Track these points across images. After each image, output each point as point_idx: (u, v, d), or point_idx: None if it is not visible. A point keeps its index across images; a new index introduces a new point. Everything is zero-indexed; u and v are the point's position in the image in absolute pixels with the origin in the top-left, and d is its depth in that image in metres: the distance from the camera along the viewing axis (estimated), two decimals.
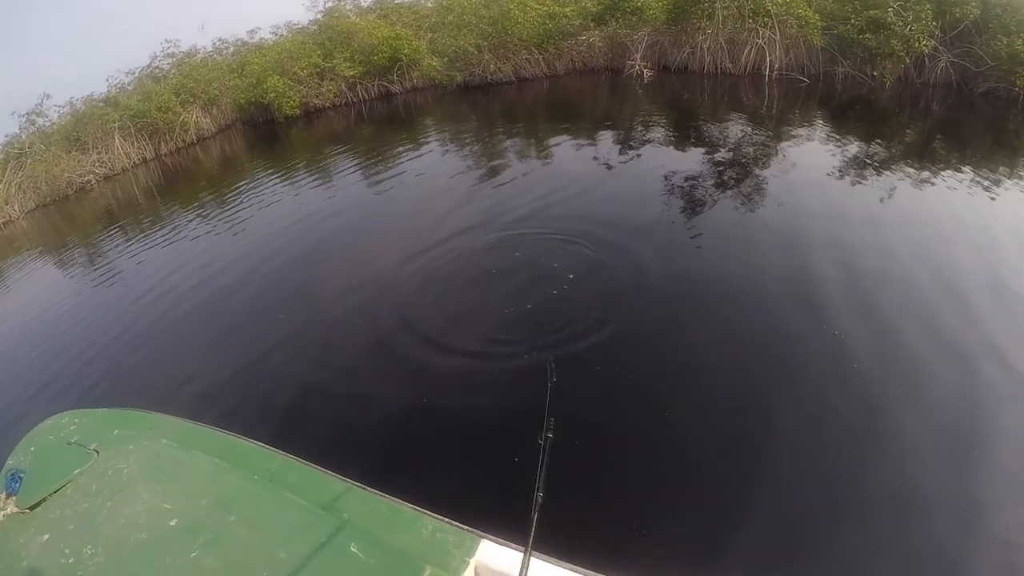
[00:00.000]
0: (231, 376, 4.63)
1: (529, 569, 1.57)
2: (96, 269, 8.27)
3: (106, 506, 2.11)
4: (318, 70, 15.33)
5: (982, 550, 2.49)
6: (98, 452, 2.41)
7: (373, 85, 15.51)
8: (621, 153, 8.12)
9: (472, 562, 1.74)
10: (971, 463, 2.85)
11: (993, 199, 5.48)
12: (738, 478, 2.94)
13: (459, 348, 4.25)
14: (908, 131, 7.77)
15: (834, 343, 3.71)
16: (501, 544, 1.81)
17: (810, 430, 3.17)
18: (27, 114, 14.40)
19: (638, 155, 7.92)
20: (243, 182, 11.09)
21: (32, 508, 2.18)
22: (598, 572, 1.71)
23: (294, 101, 15.11)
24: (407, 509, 1.95)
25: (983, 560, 2.45)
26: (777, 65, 10.62)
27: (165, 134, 15.03)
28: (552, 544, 1.75)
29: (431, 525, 1.87)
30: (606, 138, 9.00)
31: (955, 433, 3.03)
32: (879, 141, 7.32)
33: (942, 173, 6.11)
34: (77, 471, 2.31)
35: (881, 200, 5.65)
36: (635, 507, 2.88)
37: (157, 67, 16.75)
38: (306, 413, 4.00)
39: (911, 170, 6.28)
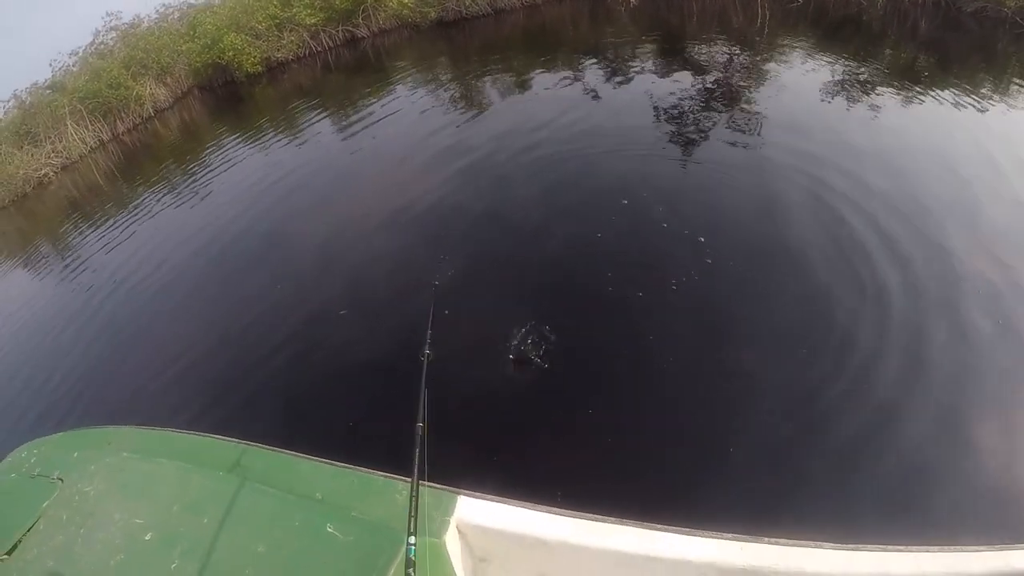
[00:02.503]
0: (220, 373, 4.48)
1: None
2: (64, 269, 7.73)
3: (80, 534, 2.06)
4: (277, 22, 14.22)
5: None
6: (62, 480, 2.33)
7: (337, 31, 14.47)
8: (607, 81, 8.09)
9: (453, 520, 1.72)
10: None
11: (982, 112, 5.62)
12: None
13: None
14: (904, 51, 7.85)
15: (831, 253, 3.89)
16: (479, 497, 1.78)
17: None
18: None
19: (626, 82, 7.87)
20: (209, 150, 10.56)
21: (10, 552, 2.10)
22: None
23: (254, 57, 14.08)
24: (379, 478, 1.90)
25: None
26: None
27: (119, 112, 13.84)
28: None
29: (405, 490, 1.78)
30: (594, 67, 8.86)
31: None
32: (880, 60, 7.50)
33: (934, 90, 6.20)
34: (45, 504, 2.23)
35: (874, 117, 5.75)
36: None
37: (102, 43, 15.14)
38: (308, 403, 3.92)
39: (912, 88, 6.37)
